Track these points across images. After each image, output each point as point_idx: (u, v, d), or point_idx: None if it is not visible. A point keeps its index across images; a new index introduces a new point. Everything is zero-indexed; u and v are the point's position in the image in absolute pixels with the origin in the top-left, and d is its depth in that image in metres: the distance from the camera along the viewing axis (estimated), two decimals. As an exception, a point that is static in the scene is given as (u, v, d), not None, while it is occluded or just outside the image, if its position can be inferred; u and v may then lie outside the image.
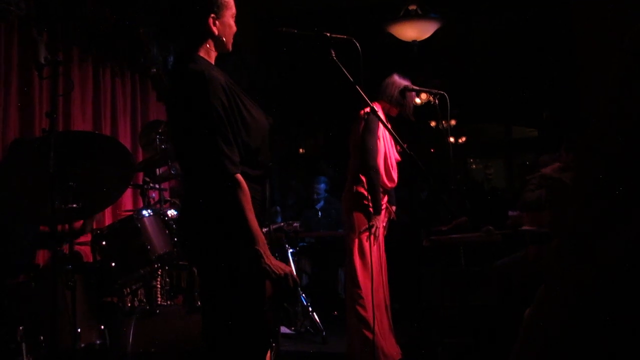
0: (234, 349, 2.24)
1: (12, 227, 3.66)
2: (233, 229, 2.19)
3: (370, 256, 4.01)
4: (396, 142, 3.46)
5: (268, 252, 2.17)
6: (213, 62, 2.38)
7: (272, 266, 2.17)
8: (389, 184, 4.24)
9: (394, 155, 4.26)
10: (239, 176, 2.17)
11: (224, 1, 2.38)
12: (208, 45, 2.37)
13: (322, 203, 7.22)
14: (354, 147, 4.21)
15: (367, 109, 4.12)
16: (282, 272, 2.18)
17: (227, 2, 2.40)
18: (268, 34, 7.37)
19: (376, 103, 4.13)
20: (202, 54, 2.35)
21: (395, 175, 4.25)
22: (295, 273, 2.24)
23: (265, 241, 2.18)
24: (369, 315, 3.98)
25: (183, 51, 2.37)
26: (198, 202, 2.26)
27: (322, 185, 7.20)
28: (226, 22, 2.40)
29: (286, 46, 6.77)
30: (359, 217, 4.11)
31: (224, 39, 2.40)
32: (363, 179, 4.12)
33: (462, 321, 4.29)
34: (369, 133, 4.07)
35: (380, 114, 3.98)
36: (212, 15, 2.34)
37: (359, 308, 4.03)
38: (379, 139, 4.11)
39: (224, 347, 2.26)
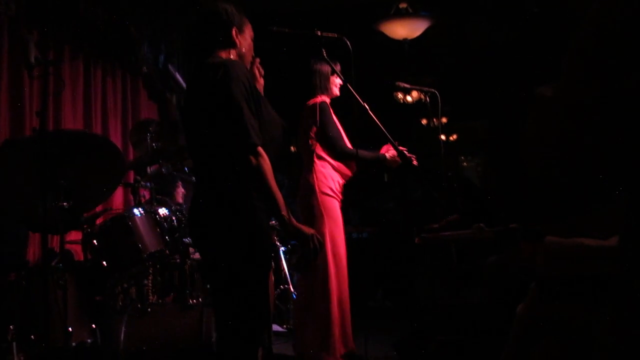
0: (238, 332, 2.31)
1: (2, 226, 3.64)
2: (248, 204, 2.28)
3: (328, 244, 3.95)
4: (388, 140, 3.46)
5: (292, 217, 2.29)
6: None
7: (299, 228, 2.29)
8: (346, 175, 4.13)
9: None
10: (260, 148, 2.24)
11: (244, 20, 2.52)
12: (232, 56, 2.45)
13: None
14: (305, 137, 4.11)
15: (318, 99, 4.08)
16: (309, 232, 2.30)
17: (246, 22, 2.53)
18: (260, 33, 7.35)
19: (321, 97, 4.07)
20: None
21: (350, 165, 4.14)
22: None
23: (285, 207, 2.27)
24: (334, 310, 3.90)
25: (206, 54, 2.44)
26: (212, 184, 2.34)
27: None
28: (247, 38, 2.53)
29: (278, 45, 6.76)
30: (324, 200, 4.01)
31: (244, 52, 2.52)
32: (316, 165, 4.05)
33: (455, 318, 4.30)
34: (328, 121, 3.99)
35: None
36: (235, 28, 2.46)
37: (328, 303, 3.91)
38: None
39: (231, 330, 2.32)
